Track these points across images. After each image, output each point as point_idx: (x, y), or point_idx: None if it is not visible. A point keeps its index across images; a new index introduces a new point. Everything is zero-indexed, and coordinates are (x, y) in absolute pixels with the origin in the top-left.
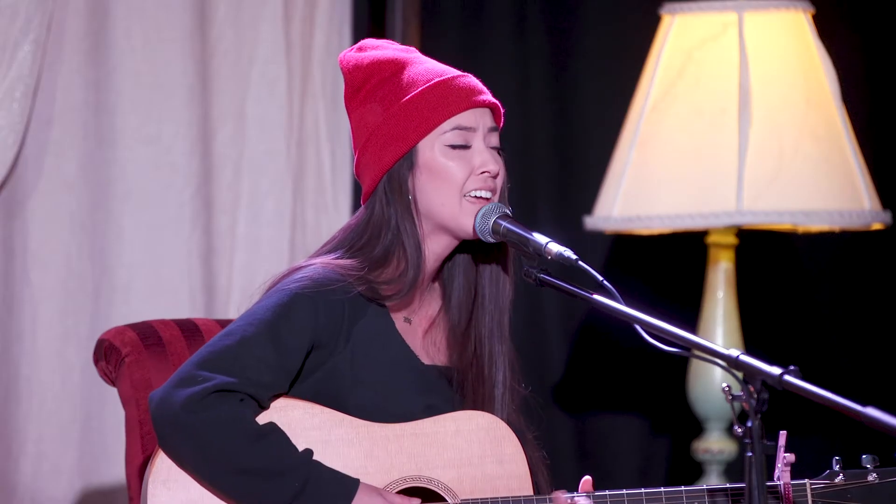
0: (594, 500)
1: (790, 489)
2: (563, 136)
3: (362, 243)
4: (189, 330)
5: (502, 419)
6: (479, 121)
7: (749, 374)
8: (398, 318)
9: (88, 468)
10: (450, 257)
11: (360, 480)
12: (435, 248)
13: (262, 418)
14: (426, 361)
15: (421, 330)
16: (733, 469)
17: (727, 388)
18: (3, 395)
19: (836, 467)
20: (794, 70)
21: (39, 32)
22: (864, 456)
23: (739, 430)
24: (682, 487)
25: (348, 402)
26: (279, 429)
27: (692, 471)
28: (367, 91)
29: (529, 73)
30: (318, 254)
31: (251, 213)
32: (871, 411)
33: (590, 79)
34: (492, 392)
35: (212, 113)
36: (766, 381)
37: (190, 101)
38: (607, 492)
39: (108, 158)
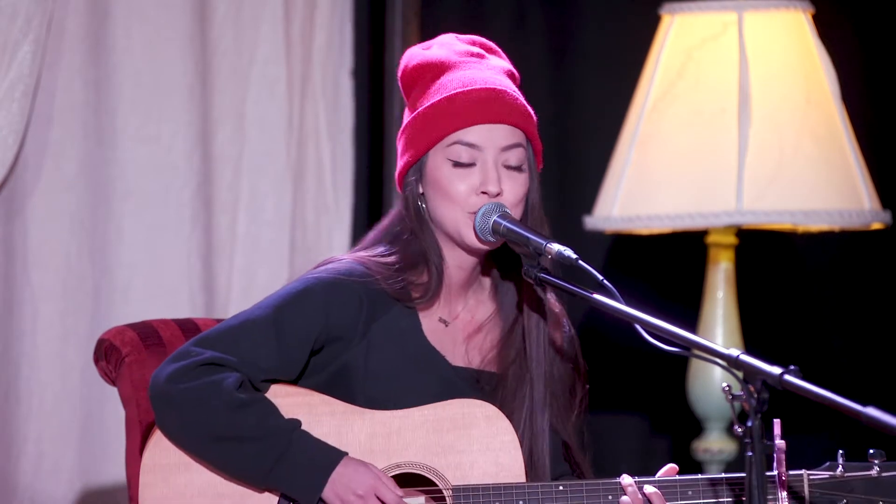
0: (660, 486)
1: (786, 478)
2: (563, 135)
3: (397, 237)
4: (189, 330)
5: (532, 433)
6: (487, 138)
7: (749, 374)
8: (429, 319)
9: (88, 468)
10: (501, 266)
11: (348, 453)
12: (453, 254)
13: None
14: (456, 363)
15: (462, 333)
16: (733, 469)
17: (727, 388)
18: (3, 395)
19: (839, 460)
20: (794, 70)
21: (39, 32)
22: (871, 451)
23: (739, 429)
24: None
25: (358, 397)
26: (265, 398)
27: (692, 471)
28: (415, 93)
29: (529, 72)
30: (361, 245)
31: (251, 213)
32: (871, 411)
33: (590, 79)
34: (527, 408)
35: (212, 113)
36: (766, 380)
37: (190, 101)
38: (677, 477)
39: (108, 158)
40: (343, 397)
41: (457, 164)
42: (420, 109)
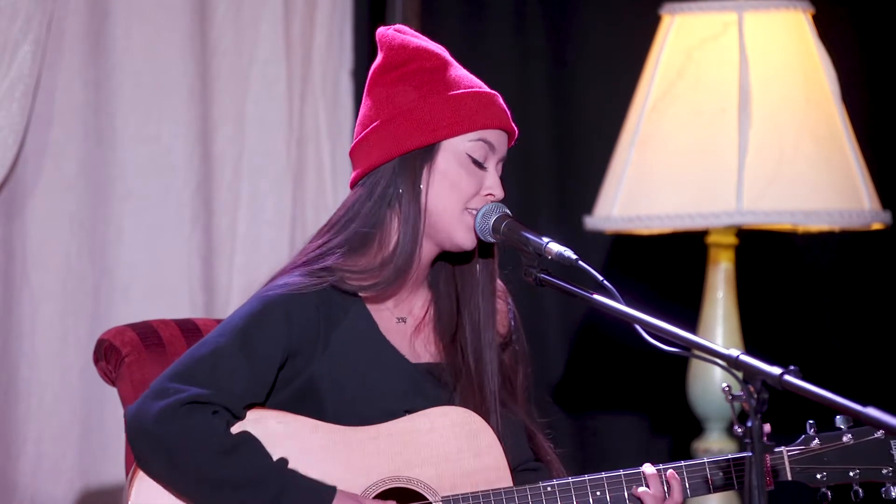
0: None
1: (768, 458)
2: (563, 136)
3: (347, 222)
4: (189, 330)
5: (494, 421)
6: (501, 144)
7: (749, 374)
8: (385, 319)
9: (88, 468)
10: (436, 261)
11: (337, 487)
12: (424, 247)
13: (237, 430)
14: (413, 360)
15: (412, 327)
16: None
17: (727, 388)
18: (3, 395)
19: (811, 431)
20: (794, 70)
21: (39, 32)
22: (837, 417)
23: (739, 430)
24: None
25: (328, 410)
26: (253, 439)
27: None
28: (405, 73)
29: (529, 72)
30: (308, 245)
31: (251, 213)
32: (871, 411)
33: (590, 79)
34: (484, 397)
35: (212, 113)
36: (766, 381)
37: (190, 101)
38: (682, 462)
39: (108, 158)
40: (313, 412)
41: (474, 162)
42: (442, 95)
